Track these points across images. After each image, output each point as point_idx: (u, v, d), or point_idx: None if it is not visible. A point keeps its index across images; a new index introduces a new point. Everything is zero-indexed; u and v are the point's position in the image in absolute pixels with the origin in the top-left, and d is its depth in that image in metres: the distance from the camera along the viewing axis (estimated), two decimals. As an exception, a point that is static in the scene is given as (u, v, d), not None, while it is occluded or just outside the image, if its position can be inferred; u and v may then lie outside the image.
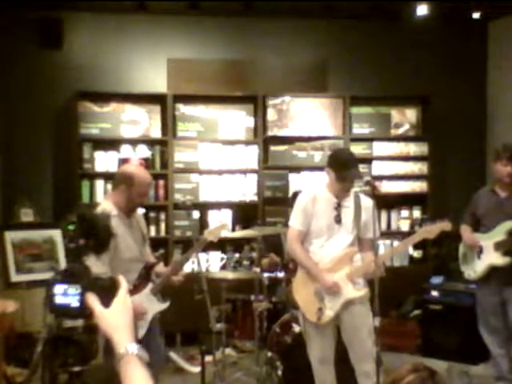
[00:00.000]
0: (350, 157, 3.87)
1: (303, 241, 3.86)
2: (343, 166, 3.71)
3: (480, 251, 4.56)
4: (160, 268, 3.90)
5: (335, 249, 3.76)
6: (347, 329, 3.76)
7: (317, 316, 3.71)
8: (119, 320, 1.45)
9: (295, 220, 3.87)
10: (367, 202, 3.84)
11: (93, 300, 1.48)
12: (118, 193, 3.67)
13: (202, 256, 5.51)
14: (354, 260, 3.77)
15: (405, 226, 6.42)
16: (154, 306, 3.74)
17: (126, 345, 1.40)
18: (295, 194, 5.58)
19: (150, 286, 3.74)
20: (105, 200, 3.83)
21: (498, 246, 4.45)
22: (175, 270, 3.86)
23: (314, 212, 3.80)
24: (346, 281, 3.70)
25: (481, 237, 4.58)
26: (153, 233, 5.95)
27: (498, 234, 4.48)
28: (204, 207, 6.09)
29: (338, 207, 3.77)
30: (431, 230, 3.66)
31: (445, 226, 3.68)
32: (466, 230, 4.68)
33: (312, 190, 3.98)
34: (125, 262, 3.55)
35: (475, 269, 4.60)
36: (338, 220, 3.76)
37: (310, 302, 3.77)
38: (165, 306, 3.79)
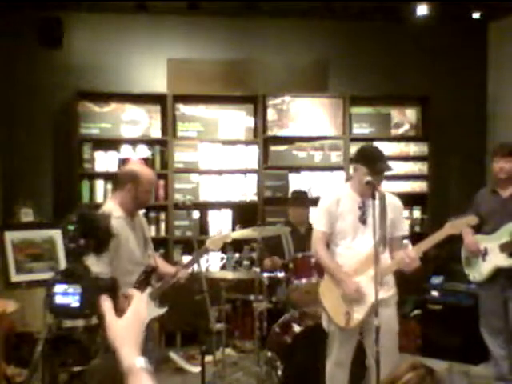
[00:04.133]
0: (378, 150, 3.82)
1: (329, 242, 3.80)
2: (374, 160, 3.64)
3: (485, 253, 4.53)
4: (165, 268, 3.91)
5: (361, 249, 3.66)
6: (367, 335, 3.70)
7: (345, 320, 3.64)
8: (129, 333, 1.43)
9: (319, 222, 3.82)
10: (393, 200, 3.78)
11: (108, 307, 1.46)
12: (125, 193, 3.66)
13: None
14: (381, 260, 3.66)
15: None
16: (151, 311, 3.73)
17: (133, 359, 1.38)
18: (295, 193, 5.60)
19: (148, 290, 3.74)
20: (110, 201, 3.82)
21: (504, 248, 4.42)
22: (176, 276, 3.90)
23: (338, 213, 3.73)
24: (371, 283, 3.56)
25: (485, 238, 4.53)
26: (153, 233, 5.94)
27: (503, 235, 4.44)
28: (204, 207, 6.09)
29: (363, 206, 3.68)
30: (457, 225, 3.63)
31: (471, 220, 3.68)
32: (467, 234, 4.61)
33: (336, 190, 3.93)
34: (125, 263, 3.55)
35: (480, 271, 4.57)
36: (363, 220, 3.66)
37: (337, 305, 3.70)
38: (162, 311, 3.79)
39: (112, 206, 3.61)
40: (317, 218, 3.87)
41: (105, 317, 1.44)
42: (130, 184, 3.65)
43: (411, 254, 3.54)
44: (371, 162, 3.64)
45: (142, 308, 1.49)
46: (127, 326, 1.44)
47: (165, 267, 4.01)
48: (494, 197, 4.62)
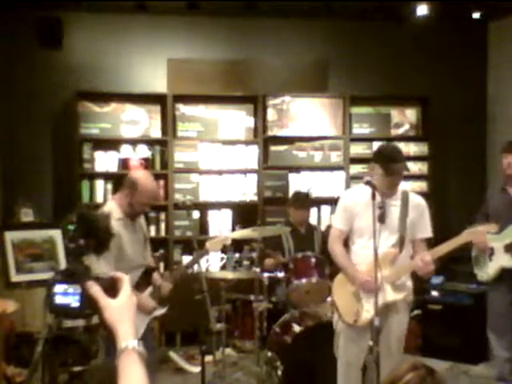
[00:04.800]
0: (396, 150, 3.76)
1: (347, 240, 3.78)
2: (390, 160, 3.60)
3: (491, 253, 4.48)
4: (156, 277, 3.91)
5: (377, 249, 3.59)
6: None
7: (354, 318, 3.64)
8: (124, 313, 1.45)
9: (337, 219, 3.82)
10: (416, 200, 3.73)
11: (97, 290, 1.48)
12: (123, 196, 3.67)
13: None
14: (397, 262, 3.62)
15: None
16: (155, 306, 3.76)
17: (128, 340, 1.40)
18: (296, 195, 5.60)
19: (149, 289, 3.75)
20: (111, 200, 3.83)
21: (508, 249, 4.35)
22: (174, 279, 3.89)
23: (356, 211, 3.69)
24: (384, 283, 3.55)
25: (491, 238, 4.40)
26: (153, 233, 5.95)
27: (508, 235, 4.38)
28: (204, 207, 6.09)
29: (383, 206, 3.57)
30: (476, 232, 3.55)
31: (490, 227, 3.59)
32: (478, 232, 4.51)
33: (356, 189, 3.90)
34: (126, 265, 3.55)
35: (487, 271, 4.51)
36: (382, 219, 3.54)
37: (347, 303, 3.69)
38: (162, 311, 3.80)
39: (112, 207, 3.62)
40: (335, 215, 3.86)
41: (98, 300, 1.46)
42: (127, 189, 3.64)
43: (425, 258, 3.50)
44: (386, 162, 3.61)
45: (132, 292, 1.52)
46: (122, 306, 1.46)
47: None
48: (502, 195, 4.56)
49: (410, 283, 3.75)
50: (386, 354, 3.46)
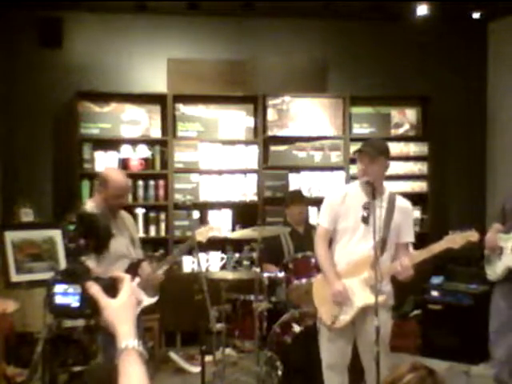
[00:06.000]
0: (371, 140, 3.81)
1: (332, 239, 3.77)
2: (361, 146, 3.66)
3: (500, 252, 4.42)
4: (144, 267, 3.96)
5: (358, 250, 3.59)
6: (358, 338, 3.68)
7: (331, 320, 3.63)
8: (125, 313, 1.46)
9: (322, 218, 3.79)
10: (403, 204, 3.70)
11: (97, 290, 1.48)
12: (99, 193, 3.87)
13: (202, 256, 5.51)
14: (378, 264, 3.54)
15: (405, 226, 6.40)
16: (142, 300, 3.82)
17: (128, 339, 1.41)
18: (291, 193, 5.60)
19: (136, 280, 3.79)
20: (89, 201, 4.01)
21: None
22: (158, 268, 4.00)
23: (342, 211, 3.66)
24: (363, 286, 3.55)
25: (502, 237, 4.34)
26: (153, 233, 5.96)
27: None
28: (204, 207, 6.09)
29: (368, 207, 3.52)
30: (456, 240, 3.47)
31: (470, 235, 3.48)
32: (492, 230, 4.37)
33: (344, 187, 3.88)
34: (109, 257, 3.55)
35: (495, 270, 4.46)
36: (365, 220, 3.52)
37: (326, 304, 3.69)
38: (153, 300, 3.86)
39: (90, 206, 3.82)
40: (321, 214, 3.84)
41: (98, 300, 1.46)
42: (100, 186, 3.85)
43: (404, 263, 3.48)
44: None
45: (131, 291, 1.52)
46: (122, 305, 1.47)
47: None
48: None
49: (389, 287, 3.71)
50: (368, 358, 3.48)
